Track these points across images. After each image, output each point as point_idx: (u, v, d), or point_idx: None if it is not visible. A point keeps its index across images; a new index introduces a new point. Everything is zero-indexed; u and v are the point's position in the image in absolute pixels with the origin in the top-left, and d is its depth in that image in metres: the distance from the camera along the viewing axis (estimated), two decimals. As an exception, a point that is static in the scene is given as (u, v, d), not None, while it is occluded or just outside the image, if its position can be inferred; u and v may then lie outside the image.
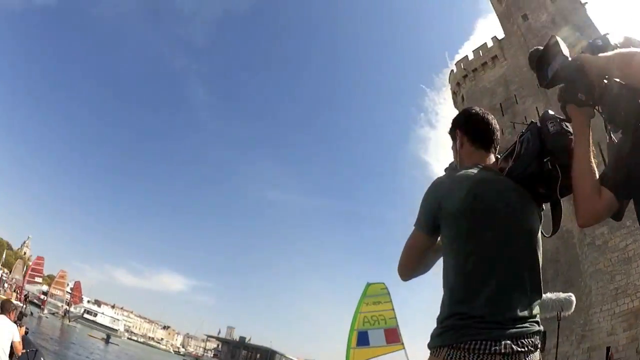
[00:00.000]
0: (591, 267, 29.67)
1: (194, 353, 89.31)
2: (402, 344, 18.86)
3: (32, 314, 41.58)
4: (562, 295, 10.85)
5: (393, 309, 20.16)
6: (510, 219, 1.96)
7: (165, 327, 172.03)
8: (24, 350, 8.44)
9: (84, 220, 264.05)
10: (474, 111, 2.32)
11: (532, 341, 1.84)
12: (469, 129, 2.26)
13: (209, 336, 52.02)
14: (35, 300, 52.53)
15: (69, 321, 54.25)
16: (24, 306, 40.48)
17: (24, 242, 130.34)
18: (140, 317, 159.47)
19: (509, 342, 1.78)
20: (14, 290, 48.81)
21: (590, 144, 1.88)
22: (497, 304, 1.85)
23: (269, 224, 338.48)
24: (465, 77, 48.01)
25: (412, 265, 2.24)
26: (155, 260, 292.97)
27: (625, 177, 1.77)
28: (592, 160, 1.88)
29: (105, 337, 52.80)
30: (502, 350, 1.76)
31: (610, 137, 1.90)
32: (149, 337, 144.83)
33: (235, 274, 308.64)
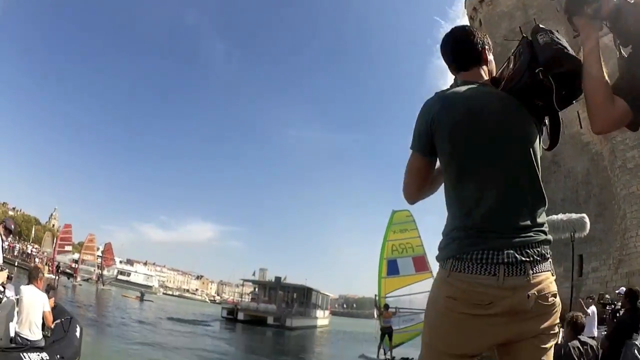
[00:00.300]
0: (624, 190, 29.16)
1: (230, 300, 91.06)
2: (431, 272, 18.37)
3: (64, 285, 41.41)
4: (574, 216, 9.48)
5: (419, 237, 19.88)
6: (502, 131, 1.95)
7: (198, 277, 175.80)
8: (58, 320, 8.32)
9: (107, 182, 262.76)
10: (443, 38, 2.27)
11: (538, 251, 1.87)
12: (442, 56, 2.26)
13: (244, 280, 51.65)
14: (67, 270, 52.50)
15: (103, 285, 54.37)
16: (57, 277, 40.44)
17: (51, 215, 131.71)
18: (173, 270, 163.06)
19: (511, 251, 1.82)
20: (46, 264, 48.69)
21: (600, 55, 1.83)
22: (497, 214, 1.87)
23: (296, 165, 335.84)
24: (482, 2, 46.14)
25: (414, 188, 2.22)
26: (182, 210, 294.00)
27: (638, 89, 1.74)
28: (604, 70, 1.81)
29: (139, 295, 53.35)
30: (505, 260, 1.81)
31: (620, 52, 1.90)
32: (184, 290, 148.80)
33: (264, 216, 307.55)
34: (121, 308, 33.02)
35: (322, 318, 52.32)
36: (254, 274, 53.38)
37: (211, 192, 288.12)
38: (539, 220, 1.92)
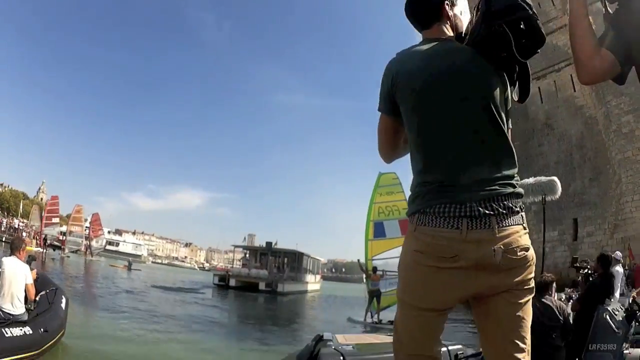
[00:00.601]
0: (619, 155, 29.24)
1: (219, 267, 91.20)
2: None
3: (52, 258, 41.06)
4: (543, 179, 9.31)
5: (406, 199, 19.55)
6: (460, 85, 1.93)
7: (187, 245, 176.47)
8: (43, 292, 8.03)
9: (95, 153, 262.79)
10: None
11: (504, 204, 1.87)
12: (406, 18, 2.22)
13: (235, 246, 51.62)
14: (55, 242, 51.87)
15: (92, 256, 53.89)
16: (44, 250, 39.97)
17: (39, 188, 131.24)
18: (161, 238, 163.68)
19: (475, 204, 1.82)
20: (33, 237, 48.11)
21: (587, 5, 1.81)
22: (459, 168, 1.89)
23: (284, 131, 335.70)
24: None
25: (387, 148, 2.24)
26: (170, 178, 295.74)
27: (625, 43, 1.72)
28: (590, 20, 1.79)
29: (127, 264, 52.77)
30: (468, 213, 1.82)
31: (606, 8, 1.87)
32: (173, 257, 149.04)
33: (252, 182, 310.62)
34: (109, 278, 32.58)
35: (314, 283, 52.43)
36: (244, 240, 53.32)
37: (200, 160, 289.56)
38: (506, 172, 1.92)
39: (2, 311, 6.85)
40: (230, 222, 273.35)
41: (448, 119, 1.94)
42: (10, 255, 7.22)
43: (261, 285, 38.85)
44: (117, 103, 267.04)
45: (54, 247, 49.88)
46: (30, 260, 7.61)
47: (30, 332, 7.02)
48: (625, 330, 5.23)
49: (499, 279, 1.86)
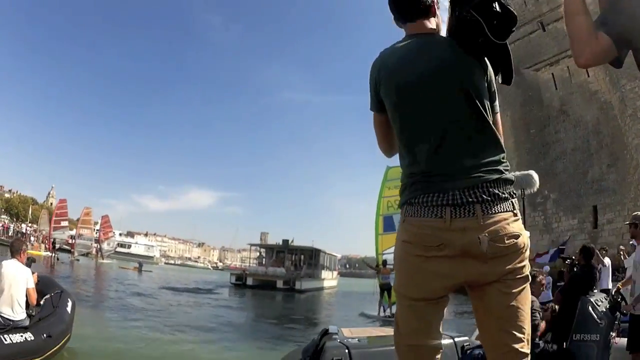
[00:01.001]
0: (636, 140, 28.66)
1: (232, 265, 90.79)
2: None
3: (62, 262, 40.60)
4: (517, 173, 9.44)
5: None
6: (441, 77, 1.94)
7: (200, 245, 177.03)
8: (47, 296, 7.71)
9: (103, 157, 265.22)
10: None
11: (489, 191, 1.86)
12: (390, 10, 2.20)
13: (251, 244, 51.62)
14: (64, 246, 51.54)
15: (103, 259, 53.60)
16: (53, 255, 39.72)
17: (49, 193, 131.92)
18: (174, 239, 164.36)
19: (458, 192, 1.83)
20: (42, 242, 47.95)
21: None
22: (441, 157, 1.90)
23: (291, 128, 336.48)
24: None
25: (384, 144, 2.26)
26: (180, 179, 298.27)
27: (621, 26, 1.67)
28: (585, 1, 1.73)
29: (137, 266, 51.11)
30: (451, 201, 1.83)
31: None
32: (186, 258, 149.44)
33: (262, 181, 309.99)
34: (119, 281, 31.84)
35: (331, 279, 52.10)
36: (261, 238, 52.88)
37: (208, 160, 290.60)
38: (491, 159, 1.91)
39: (2, 317, 6.50)
40: (241, 221, 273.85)
41: (429, 112, 1.94)
42: (10, 259, 6.88)
43: (279, 283, 38.58)
44: (123, 105, 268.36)
45: (64, 251, 49.60)
46: (29, 262, 7.22)
47: (32, 337, 6.66)
48: (609, 320, 5.33)
49: (488, 268, 1.85)
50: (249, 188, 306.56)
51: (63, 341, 7.56)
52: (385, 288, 18.32)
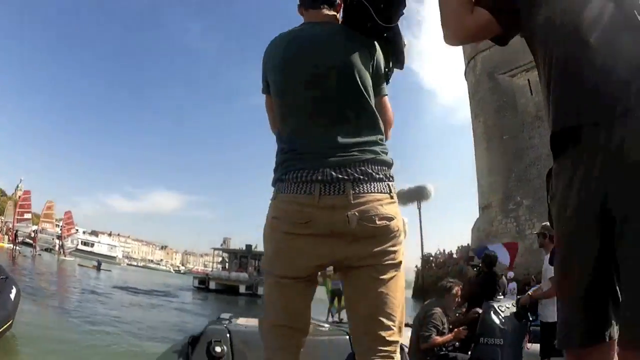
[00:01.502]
0: None
1: (194, 269, 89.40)
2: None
3: (24, 255, 39.81)
4: (412, 187, 11.05)
5: None
6: (320, 57, 1.92)
7: (163, 247, 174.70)
8: None
9: (73, 154, 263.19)
10: None
11: (362, 169, 1.82)
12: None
13: (215, 249, 51.48)
14: (27, 240, 50.41)
15: (65, 255, 52.55)
16: (15, 247, 38.89)
17: (17, 186, 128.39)
18: (137, 240, 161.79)
19: (328, 169, 1.79)
20: (5, 233, 46.91)
21: None
22: (314, 135, 1.88)
23: (259, 132, 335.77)
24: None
25: (274, 126, 2.16)
26: (147, 180, 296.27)
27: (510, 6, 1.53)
28: None
29: (96, 264, 51.12)
30: (320, 178, 1.79)
31: None
32: (148, 260, 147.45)
33: (228, 185, 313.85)
34: (76, 277, 31.89)
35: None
36: (223, 243, 52.70)
37: (176, 163, 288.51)
38: (366, 139, 1.88)
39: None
40: (206, 225, 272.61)
41: (302, 90, 1.93)
42: None
43: (241, 288, 38.43)
44: (97, 103, 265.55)
45: (27, 245, 48.56)
46: None
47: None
48: (514, 325, 5.36)
49: (357, 249, 1.81)
50: (216, 193, 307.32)
51: (5, 327, 7.43)
52: (335, 294, 17.85)
